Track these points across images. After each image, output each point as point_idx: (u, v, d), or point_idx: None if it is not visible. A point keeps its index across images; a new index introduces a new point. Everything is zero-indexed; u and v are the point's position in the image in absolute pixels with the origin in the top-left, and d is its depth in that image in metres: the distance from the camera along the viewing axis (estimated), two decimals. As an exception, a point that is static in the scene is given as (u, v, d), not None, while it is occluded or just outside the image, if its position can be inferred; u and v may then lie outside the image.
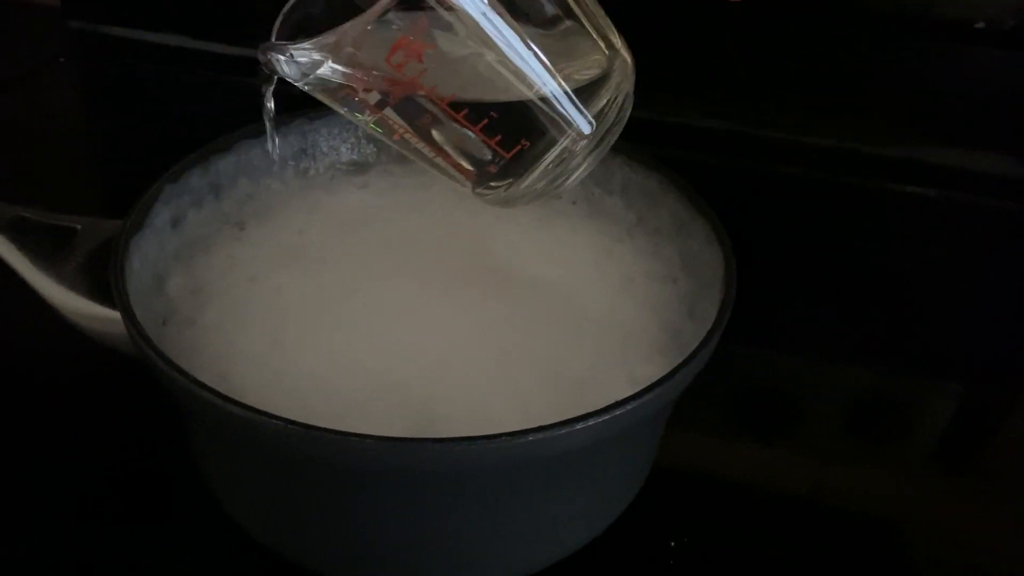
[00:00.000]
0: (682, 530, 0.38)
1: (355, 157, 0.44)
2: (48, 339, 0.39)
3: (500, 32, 0.28)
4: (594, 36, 0.31)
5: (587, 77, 0.31)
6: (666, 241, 0.39)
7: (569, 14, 0.30)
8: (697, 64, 0.61)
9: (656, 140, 0.40)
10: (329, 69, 0.29)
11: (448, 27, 0.28)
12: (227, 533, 0.34)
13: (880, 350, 0.48)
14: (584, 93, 0.31)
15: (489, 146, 0.31)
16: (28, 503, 0.38)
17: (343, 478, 0.30)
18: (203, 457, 0.34)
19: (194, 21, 0.70)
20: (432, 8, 0.27)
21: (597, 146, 0.32)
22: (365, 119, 0.31)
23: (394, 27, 0.28)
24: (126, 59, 0.71)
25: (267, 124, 0.35)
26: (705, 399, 0.38)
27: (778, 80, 0.61)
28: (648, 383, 0.29)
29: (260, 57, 0.29)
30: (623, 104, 0.32)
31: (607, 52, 0.31)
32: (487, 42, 0.28)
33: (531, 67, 0.29)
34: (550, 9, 0.30)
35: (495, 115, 0.30)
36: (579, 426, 0.27)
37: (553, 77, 0.30)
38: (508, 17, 0.28)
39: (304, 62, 0.29)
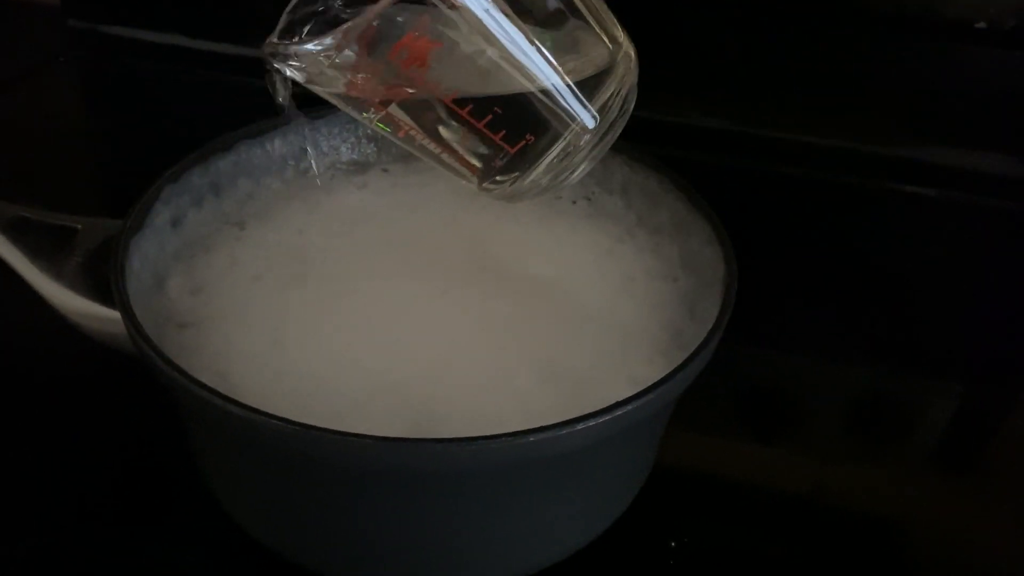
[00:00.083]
0: (682, 530, 0.38)
1: (355, 157, 0.44)
2: (48, 339, 0.39)
3: (503, 28, 0.28)
4: (597, 30, 0.31)
5: (591, 71, 0.31)
6: (666, 241, 0.39)
7: (572, 8, 0.30)
8: (697, 64, 0.61)
9: (656, 140, 0.40)
10: (333, 68, 0.29)
11: (451, 24, 0.28)
12: (227, 533, 0.34)
13: (880, 350, 0.48)
14: (588, 87, 0.31)
15: (494, 141, 0.31)
16: (28, 503, 0.38)
17: (343, 478, 0.30)
18: (203, 457, 0.34)
19: (194, 21, 0.70)
20: (435, 5, 0.27)
21: (601, 140, 0.32)
22: (371, 117, 0.31)
23: (397, 25, 0.28)
24: (126, 59, 0.71)
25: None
26: (705, 399, 0.39)
27: (778, 80, 0.61)
28: (648, 383, 0.29)
29: (266, 59, 0.29)
30: (627, 97, 0.32)
31: (610, 46, 0.31)
32: (490, 38, 0.28)
33: (534, 62, 0.29)
34: (553, 4, 0.30)
35: (500, 110, 0.30)
36: (579, 426, 0.27)
37: (557, 72, 0.30)
38: (511, 13, 0.28)
39: (309, 62, 0.29)
